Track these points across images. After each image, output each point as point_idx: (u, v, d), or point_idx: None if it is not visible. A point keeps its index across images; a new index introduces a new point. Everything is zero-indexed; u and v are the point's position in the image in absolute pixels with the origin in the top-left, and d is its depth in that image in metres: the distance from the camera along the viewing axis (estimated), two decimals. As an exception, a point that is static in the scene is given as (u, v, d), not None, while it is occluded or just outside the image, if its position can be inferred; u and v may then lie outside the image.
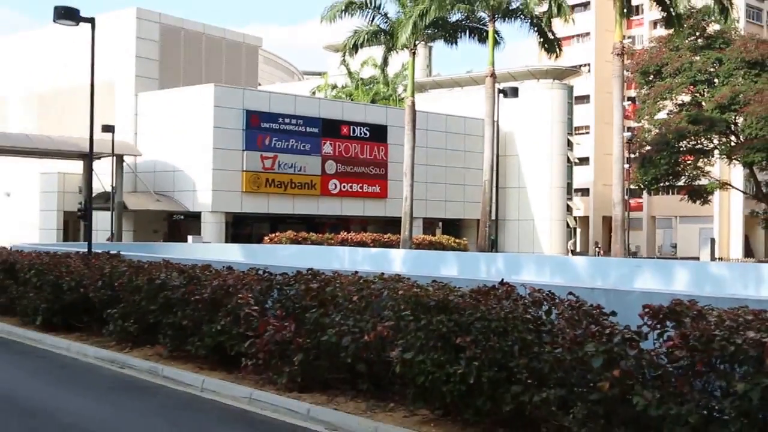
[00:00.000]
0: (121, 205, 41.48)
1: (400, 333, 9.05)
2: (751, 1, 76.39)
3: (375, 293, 10.11)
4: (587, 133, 79.44)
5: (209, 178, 42.09)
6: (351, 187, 47.46)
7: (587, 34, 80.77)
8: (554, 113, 55.32)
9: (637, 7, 66.81)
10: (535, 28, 36.07)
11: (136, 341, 13.75)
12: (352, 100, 59.47)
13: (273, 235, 39.63)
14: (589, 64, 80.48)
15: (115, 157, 39.78)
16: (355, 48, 37.38)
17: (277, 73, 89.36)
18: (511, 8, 35.30)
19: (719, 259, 59.86)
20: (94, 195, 28.06)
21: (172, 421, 9.76)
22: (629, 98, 64.75)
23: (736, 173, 63.27)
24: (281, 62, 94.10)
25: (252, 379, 10.98)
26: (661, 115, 54.41)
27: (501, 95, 35.73)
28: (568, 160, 57.60)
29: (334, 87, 66.21)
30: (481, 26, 36.25)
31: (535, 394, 7.61)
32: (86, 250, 18.06)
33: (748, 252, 72.68)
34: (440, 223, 54.61)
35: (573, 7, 37.75)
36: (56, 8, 17.41)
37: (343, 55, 39.58)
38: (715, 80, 52.38)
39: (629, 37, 70.65)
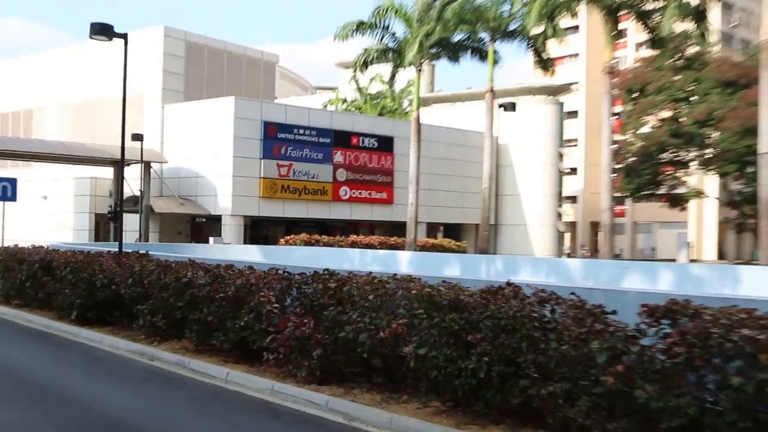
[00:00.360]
0: (148, 208, 41.36)
1: (413, 330, 8.91)
2: (724, 29, 76.41)
3: (389, 292, 9.95)
4: (576, 145, 79.46)
5: (229, 184, 41.95)
6: (360, 194, 47.29)
7: (577, 54, 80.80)
8: (547, 127, 55.17)
9: (622, 30, 66.69)
10: (532, 49, 35.92)
11: (164, 335, 13.61)
12: (361, 113, 59.32)
13: (288, 237, 39.48)
14: (578, 82, 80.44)
15: (143, 164, 39.71)
16: (365, 65, 37.23)
17: (292, 87, 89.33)
18: (509, 30, 35.14)
19: (695, 261, 59.86)
20: (124, 198, 27.93)
21: (200, 411, 9.60)
22: (615, 114, 64.56)
23: (711, 183, 63.33)
24: (296, 77, 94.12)
25: (273, 372, 10.83)
26: (645, 129, 54.55)
27: (501, 109, 35.61)
28: (559, 170, 57.42)
29: (345, 101, 66.06)
30: (481, 46, 36.06)
31: (542, 387, 7.51)
32: (117, 249, 17.90)
33: (721, 255, 72.80)
34: (441, 227, 54.39)
35: (565, 29, 37.66)
36: (92, 24, 17.25)
37: (354, 71, 39.37)
38: (693, 98, 52.49)
39: (615, 58, 70.44)
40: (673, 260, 51.25)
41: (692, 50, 52.76)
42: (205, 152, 42.90)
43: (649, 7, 33.54)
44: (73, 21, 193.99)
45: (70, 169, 46.66)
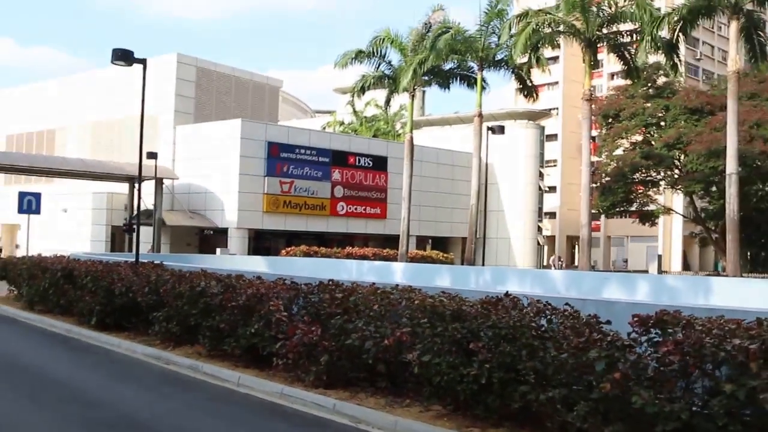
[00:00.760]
0: (160, 221, 41.07)
1: (417, 338, 8.71)
2: (689, 60, 76.80)
3: (393, 302, 9.76)
4: (555, 165, 79.56)
5: (236, 199, 41.71)
6: (356, 209, 47.06)
7: (556, 82, 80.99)
8: (528, 149, 55.14)
9: (599, 61, 67.06)
10: (516, 77, 35.88)
11: (178, 341, 13.37)
12: (357, 134, 59.18)
13: (289, 248, 39.26)
14: (557, 108, 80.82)
15: (156, 180, 39.47)
16: (363, 90, 37.09)
17: (293, 110, 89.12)
18: (497, 59, 35.09)
19: (664, 272, 60.03)
20: (136, 212, 27.65)
21: (213, 412, 9.37)
22: (592, 137, 64.85)
23: (678, 201, 63.48)
24: (296, 101, 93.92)
25: (282, 377, 10.61)
26: (619, 151, 54.63)
27: (490, 132, 35.51)
28: (540, 188, 57.34)
29: (342, 123, 65.94)
30: (470, 74, 35.94)
31: (541, 393, 7.31)
32: (134, 259, 17.64)
33: (686, 266, 73.03)
34: (430, 240, 54.17)
35: (547, 59, 37.82)
36: (114, 50, 17.10)
37: (352, 96, 39.30)
38: (663, 123, 52.61)
39: (592, 86, 70.94)
40: (646, 271, 51.45)
41: (662, 80, 53.04)
42: (214, 170, 42.67)
43: (624, 40, 33.83)
44: (91, 49, 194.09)
45: (89, 184, 46.38)
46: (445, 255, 46.08)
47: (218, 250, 39.51)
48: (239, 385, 10.70)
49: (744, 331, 6.52)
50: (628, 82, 41.99)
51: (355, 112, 62.51)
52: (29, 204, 29.99)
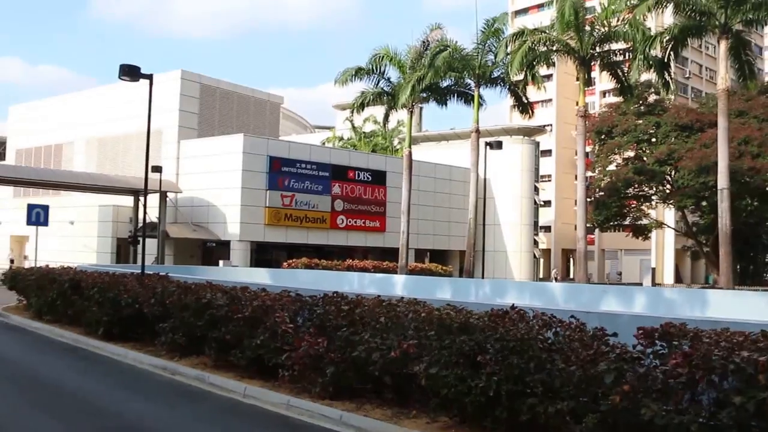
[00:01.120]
0: (164, 234, 40.90)
1: (423, 350, 8.54)
2: (679, 79, 77.01)
3: (399, 315, 9.60)
4: (549, 180, 79.57)
5: (238, 212, 41.57)
6: (355, 222, 46.93)
7: (550, 100, 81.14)
8: (524, 164, 55.14)
9: (591, 79, 67.19)
10: (512, 94, 35.85)
11: (184, 351, 13.17)
12: (356, 150, 59.13)
13: (290, 260, 39.03)
14: (551, 125, 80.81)
15: (161, 194, 39.31)
16: (362, 106, 36.97)
17: (293, 126, 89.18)
18: (493, 77, 35.07)
19: (658, 284, 59.83)
20: (142, 224, 27.52)
21: (220, 423, 9.19)
22: (586, 153, 64.92)
23: (670, 215, 63.43)
24: (297, 117, 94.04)
25: (288, 388, 10.41)
26: (612, 167, 54.62)
27: (488, 147, 35.41)
28: (535, 202, 57.31)
29: (341, 139, 65.87)
30: (467, 91, 35.90)
31: (549, 405, 7.14)
32: (139, 271, 17.47)
33: (678, 279, 72.88)
34: (428, 253, 54.02)
35: (541, 77, 37.83)
36: (121, 66, 17.03)
37: (352, 112, 39.10)
38: (654, 140, 52.63)
39: (585, 103, 71.14)
40: (640, 284, 51.19)
41: (653, 98, 53.14)
42: (217, 183, 42.55)
43: (617, 58, 33.90)
44: (97, 67, 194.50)
45: (95, 197, 46.26)
46: (444, 267, 45.91)
47: (221, 262, 39.31)
48: (245, 396, 10.51)
49: (751, 343, 6.41)
50: (620, 99, 42.02)
51: (353, 127, 62.44)
52: (38, 216, 29.90)
